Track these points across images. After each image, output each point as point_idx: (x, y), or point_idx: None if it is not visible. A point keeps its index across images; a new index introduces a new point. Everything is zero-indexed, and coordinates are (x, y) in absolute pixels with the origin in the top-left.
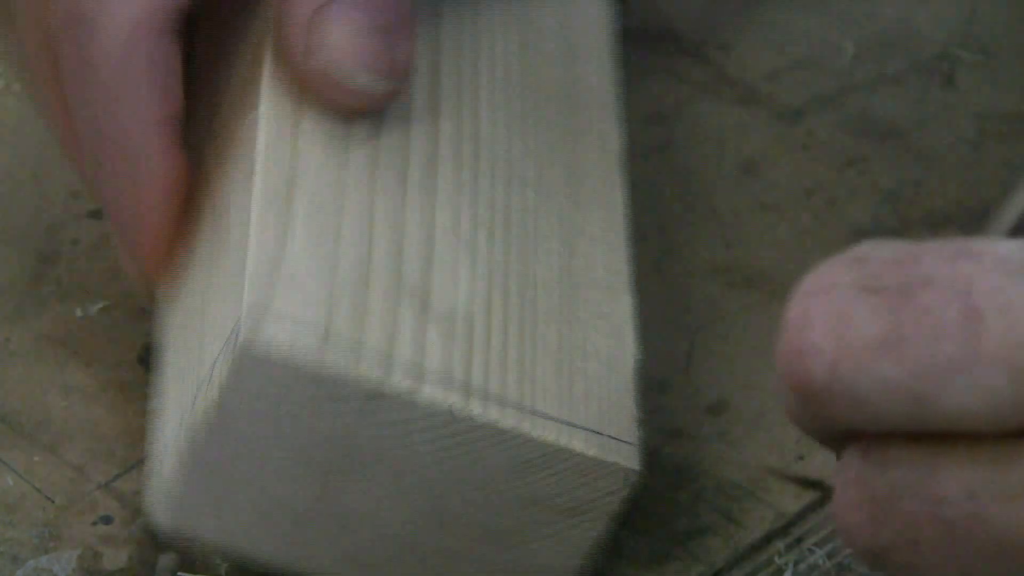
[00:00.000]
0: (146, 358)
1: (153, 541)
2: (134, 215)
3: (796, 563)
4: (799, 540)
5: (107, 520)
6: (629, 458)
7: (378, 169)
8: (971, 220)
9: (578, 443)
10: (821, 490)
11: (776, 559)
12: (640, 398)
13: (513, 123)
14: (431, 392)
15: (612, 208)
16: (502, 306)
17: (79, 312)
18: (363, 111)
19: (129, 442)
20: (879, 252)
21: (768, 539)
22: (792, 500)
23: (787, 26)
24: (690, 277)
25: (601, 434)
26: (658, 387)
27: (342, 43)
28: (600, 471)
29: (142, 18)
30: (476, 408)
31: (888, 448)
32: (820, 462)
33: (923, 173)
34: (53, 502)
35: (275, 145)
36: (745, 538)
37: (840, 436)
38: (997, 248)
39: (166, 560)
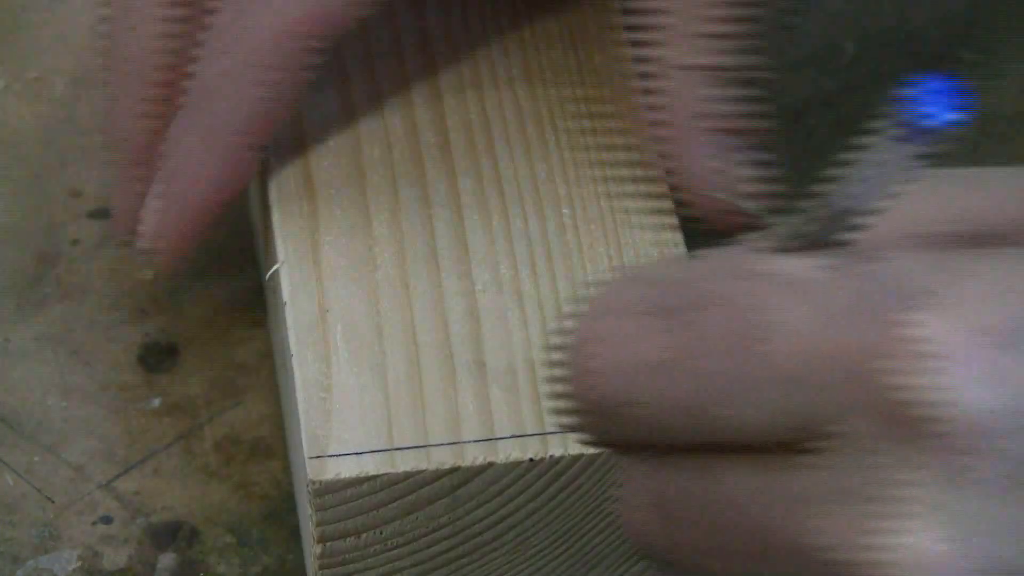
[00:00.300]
0: (146, 358)
1: (153, 541)
2: (193, 173)
3: None
4: None
5: (107, 520)
6: None
7: (406, 260)
8: None
9: None
10: None
11: None
12: None
13: (532, 148)
14: (506, 453)
15: (652, 184)
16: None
17: (79, 312)
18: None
19: (129, 442)
20: (663, 273)
21: None
22: None
23: (787, 26)
24: None
25: None
26: None
27: (741, 180)
28: None
29: (291, 25)
30: (555, 449)
31: (674, 455)
32: None
33: (923, 173)
34: (53, 502)
35: (300, 288)
36: None
37: (627, 443)
38: (775, 265)
39: (166, 560)
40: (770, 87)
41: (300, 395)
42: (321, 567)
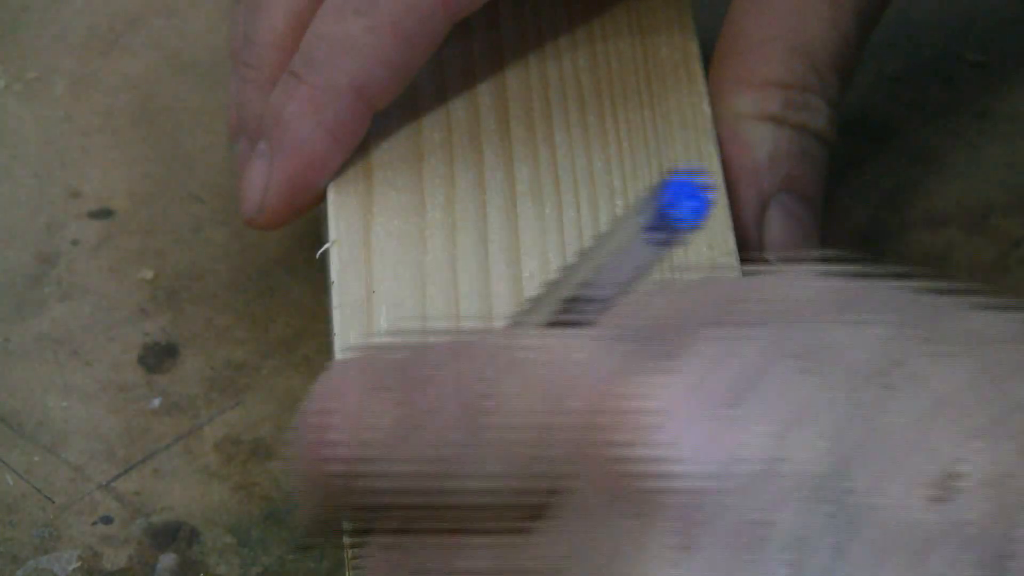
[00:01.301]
0: (146, 358)
1: (153, 541)
2: (300, 141)
3: None
4: None
5: (107, 520)
6: None
7: (456, 245)
8: (971, 220)
9: None
10: None
11: None
12: None
13: (591, 139)
14: None
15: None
16: None
17: (79, 312)
18: None
19: (129, 442)
20: (387, 355)
21: None
22: None
23: None
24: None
25: None
26: None
27: (785, 245)
28: None
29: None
30: None
31: (413, 534)
32: None
33: (923, 173)
34: (53, 502)
35: (349, 268)
36: None
37: (364, 518)
38: (490, 344)
39: (166, 560)
40: (832, 148)
41: None
42: (352, 545)
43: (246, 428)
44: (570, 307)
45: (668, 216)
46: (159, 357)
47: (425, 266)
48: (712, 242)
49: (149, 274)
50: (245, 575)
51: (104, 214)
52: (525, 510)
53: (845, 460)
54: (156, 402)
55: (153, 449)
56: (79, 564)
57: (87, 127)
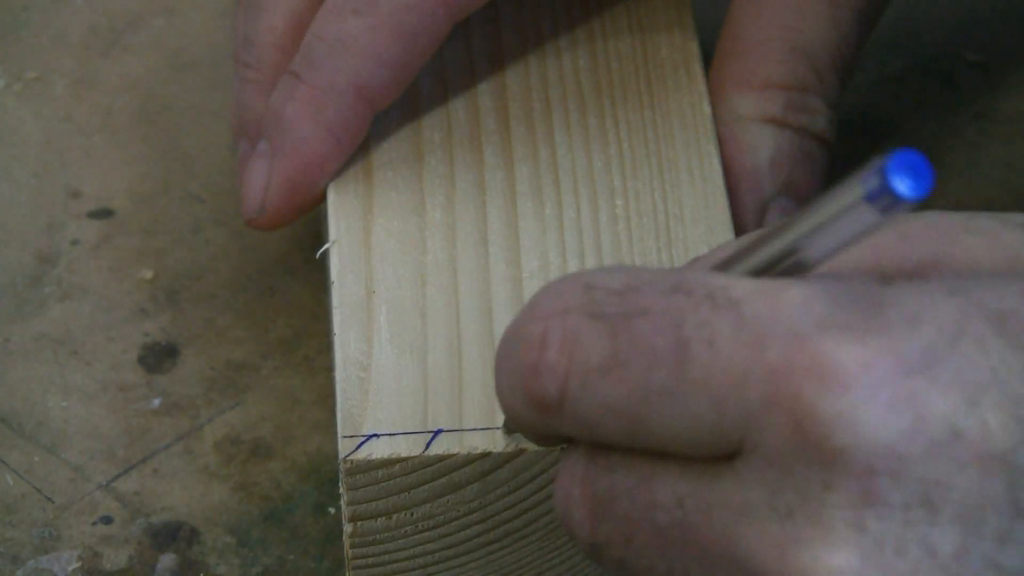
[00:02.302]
0: (146, 358)
1: (153, 541)
2: (300, 142)
3: None
4: None
5: (107, 520)
6: None
7: (456, 245)
8: None
9: None
10: None
11: None
12: None
13: (591, 139)
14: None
15: (708, 180)
16: None
17: (79, 312)
18: None
19: (129, 442)
20: (606, 280)
21: None
22: None
23: None
24: None
25: None
26: None
27: None
28: None
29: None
30: None
31: (610, 454)
32: None
33: None
34: (53, 502)
35: (349, 268)
36: None
37: (562, 439)
38: (708, 282)
39: (166, 560)
40: (831, 149)
41: (339, 373)
42: (352, 546)
43: (246, 428)
44: (781, 260)
45: (893, 186)
46: (159, 357)
47: (425, 266)
48: (712, 243)
49: (149, 274)
50: (245, 575)
51: (104, 214)
52: (718, 448)
53: None
54: (156, 402)
55: (153, 449)
56: (79, 564)
57: (87, 127)
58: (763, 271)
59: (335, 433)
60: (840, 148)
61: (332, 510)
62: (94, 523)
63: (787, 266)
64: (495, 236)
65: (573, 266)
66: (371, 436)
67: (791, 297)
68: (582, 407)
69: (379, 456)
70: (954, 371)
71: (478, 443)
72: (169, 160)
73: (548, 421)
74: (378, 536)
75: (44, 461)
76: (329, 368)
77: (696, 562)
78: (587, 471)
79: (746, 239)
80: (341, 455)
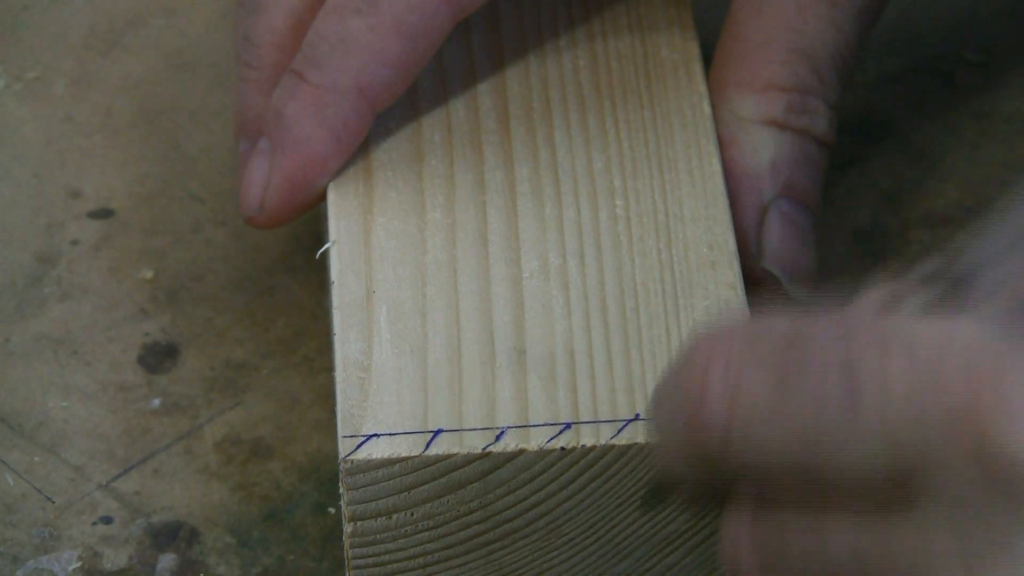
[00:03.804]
0: (146, 358)
1: (153, 541)
2: (301, 141)
3: None
4: None
5: (107, 520)
6: None
7: (456, 245)
8: (971, 220)
9: None
10: None
11: None
12: None
13: (591, 139)
14: (538, 441)
15: (708, 180)
16: (602, 327)
17: (79, 312)
18: None
19: (129, 442)
20: (769, 327)
21: None
22: None
23: None
24: None
25: None
26: None
27: (786, 255)
28: None
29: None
30: (587, 438)
31: (777, 508)
32: None
33: (923, 173)
34: (53, 502)
35: (348, 268)
36: None
37: (725, 493)
38: (877, 326)
39: (166, 560)
40: (831, 151)
41: (339, 374)
42: (352, 546)
43: (246, 428)
44: (953, 291)
45: None
46: (159, 357)
47: (425, 266)
48: (712, 243)
49: (149, 274)
50: (245, 575)
51: (104, 214)
52: (894, 491)
53: None
54: (156, 402)
55: (153, 449)
56: (79, 564)
57: (87, 127)
58: (933, 303)
59: (335, 433)
60: (840, 148)
61: (332, 510)
62: (94, 523)
63: (958, 297)
64: (495, 236)
65: (573, 266)
66: (371, 436)
67: (967, 334)
68: (747, 453)
69: (379, 456)
70: None
71: (478, 443)
72: (169, 160)
73: (710, 471)
74: (378, 536)
75: (44, 461)
76: (329, 368)
77: None
78: (754, 522)
79: (918, 269)
80: (341, 455)
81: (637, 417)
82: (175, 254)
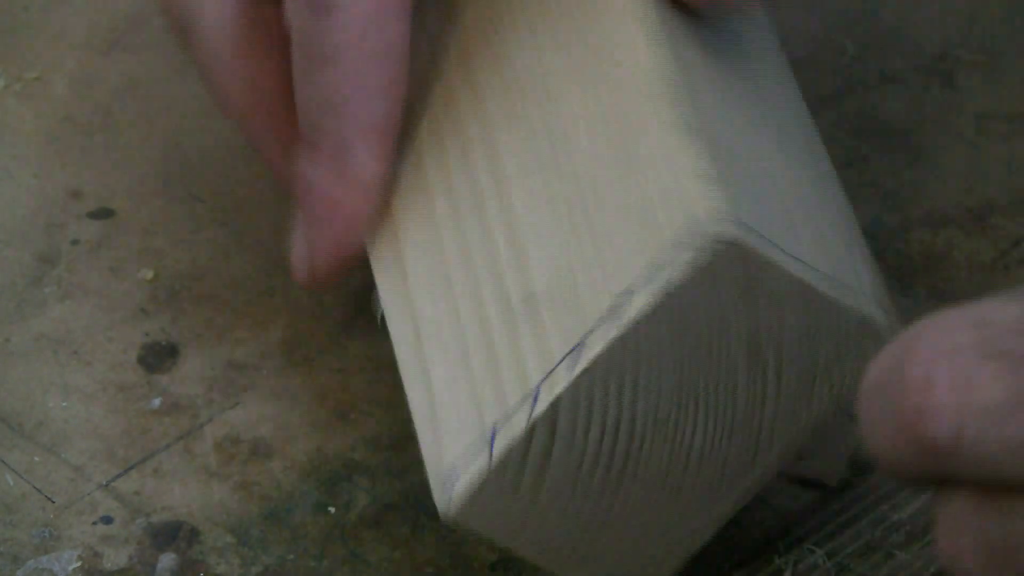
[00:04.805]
0: (146, 358)
1: (153, 541)
2: (333, 204)
3: (796, 563)
4: (799, 540)
5: (107, 520)
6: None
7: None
8: (971, 220)
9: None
10: (821, 490)
11: (776, 559)
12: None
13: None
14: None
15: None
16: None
17: (79, 312)
18: (723, 9)
19: (129, 442)
20: (1001, 316)
21: (768, 539)
22: (791, 500)
23: (787, 26)
24: None
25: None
26: None
27: None
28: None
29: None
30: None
31: (1006, 498)
32: (819, 462)
33: (923, 173)
34: (53, 502)
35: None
36: (745, 538)
37: (943, 481)
38: None
39: (166, 560)
40: None
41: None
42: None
43: (246, 428)
44: None
45: None
46: (159, 357)
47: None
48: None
49: (149, 274)
50: (245, 575)
51: (104, 214)
52: None
53: None
54: (156, 402)
55: (153, 449)
56: (79, 564)
57: (87, 127)
58: None
59: (335, 432)
60: (841, 149)
61: (332, 510)
62: (94, 523)
63: None
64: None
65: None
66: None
67: None
68: (982, 449)
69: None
70: None
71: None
72: (169, 160)
73: (937, 464)
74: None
75: (44, 461)
76: (331, 368)
77: None
78: (980, 516)
79: None
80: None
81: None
82: (175, 254)
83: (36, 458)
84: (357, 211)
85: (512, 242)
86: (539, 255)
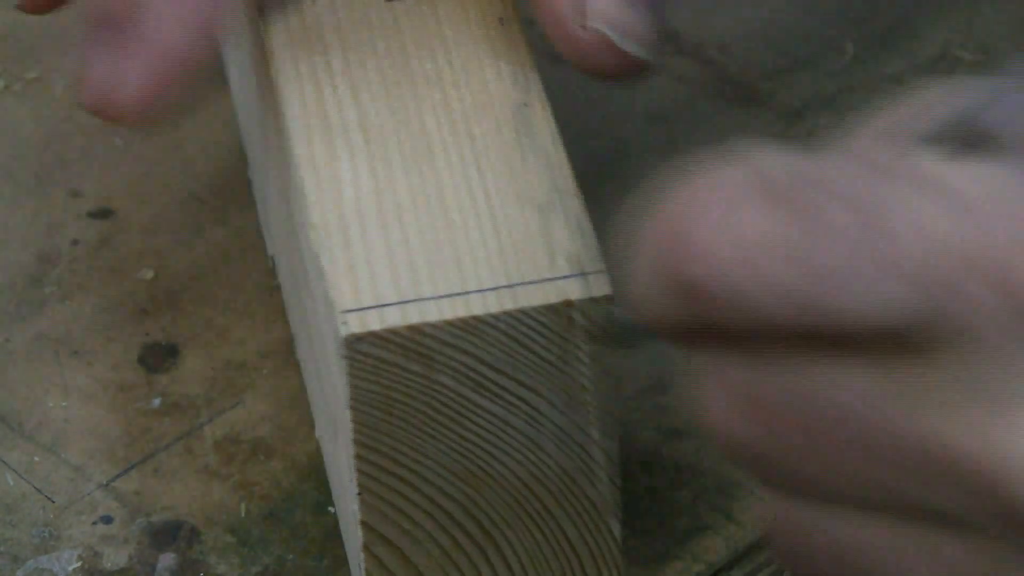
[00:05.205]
0: (146, 358)
1: (153, 541)
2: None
3: None
4: None
5: (107, 520)
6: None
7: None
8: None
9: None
10: None
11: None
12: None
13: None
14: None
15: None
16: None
17: (79, 312)
18: (624, 78)
19: (129, 442)
20: (779, 161)
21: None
22: None
23: (787, 26)
24: None
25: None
26: (658, 387)
27: (611, 12)
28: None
29: None
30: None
31: (764, 348)
32: None
33: None
34: (53, 502)
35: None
36: (745, 538)
37: (700, 333)
38: (907, 162)
39: (166, 560)
40: None
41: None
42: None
43: (246, 428)
44: (973, 131)
45: None
46: (159, 357)
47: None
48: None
49: (149, 274)
50: (245, 575)
51: (104, 214)
52: (906, 333)
53: None
54: (156, 402)
55: (153, 449)
56: (79, 564)
57: (87, 127)
58: (937, 143)
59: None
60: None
61: (332, 509)
62: (94, 523)
63: (965, 138)
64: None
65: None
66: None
67: (994, 170)
68: (747, 293)
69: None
70: None
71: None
72: (169, 160)
73: (697, 310)
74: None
75: (44, 461)
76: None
77: (872, 458)
78: (736, 367)
79: (905, 108)
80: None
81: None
82: (175, 254)
83: (36, 458)
84: (191, 26)
85: None
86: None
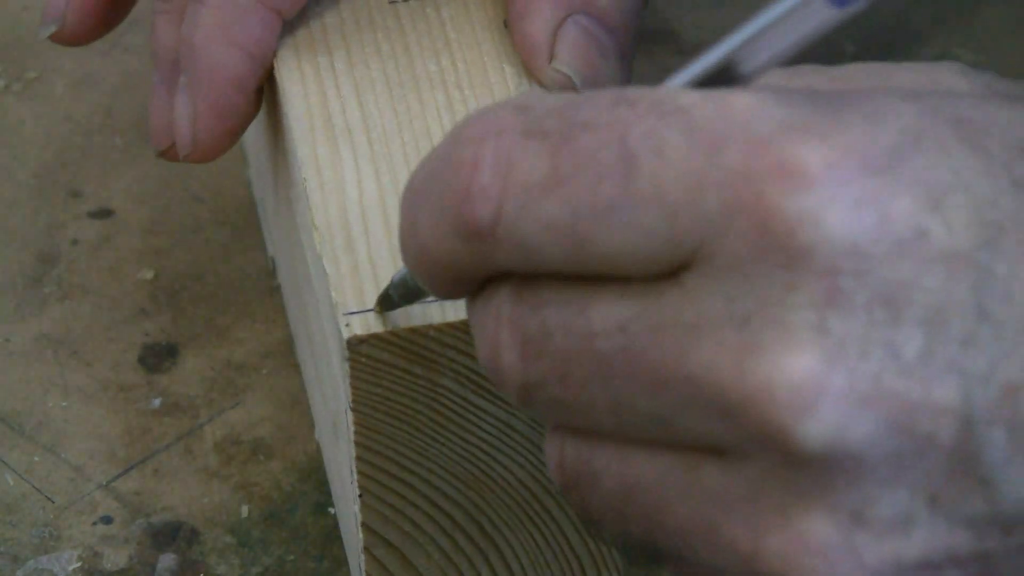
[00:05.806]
0: (146, 358)
1: (153, 541)
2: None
3: None
4: None
5: (107, 520)
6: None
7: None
8: None
9: None
10: None
11: None
12: None
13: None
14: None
15: None
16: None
17: (79, 312)
18: None
19: (129, 442)
20: (543, 100)
21: None
22: None
23: None
24: None
25: None
26: None
27: (576, 62)
28: None
29: None
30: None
31: (540, 289)
32: None
33: None
34: (53, 502)
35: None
36: None
37: (484, 279)
38: (652, 93)
39: (166, 560)
40: None
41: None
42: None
43: (246, 428)
44: (719, 73)
45: None
46: (159, 357)
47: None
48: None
49: (149, 274)
50: (245, 575)
51: (104, 214)
52: (668, 263)
53: (996, 230)
54: (156, 402)
55: (153, 449)
56: (79, 564)
57: (87, 127)
58: (699, 85)
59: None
60: None
61: (332, 510)
62: (94, 523)
63: (725, 79)
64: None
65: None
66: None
67: (744, 102)
68: (520, 229)
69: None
70: (918, 171)
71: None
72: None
73: (478, 251)
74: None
75: (44, 461)
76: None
77: (644, 388)
78: (515, 309)
79: (695, 58)
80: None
81: None
82: (175, 254)
83: (36, 458)
84: (240, 73)
85: None
86: None
